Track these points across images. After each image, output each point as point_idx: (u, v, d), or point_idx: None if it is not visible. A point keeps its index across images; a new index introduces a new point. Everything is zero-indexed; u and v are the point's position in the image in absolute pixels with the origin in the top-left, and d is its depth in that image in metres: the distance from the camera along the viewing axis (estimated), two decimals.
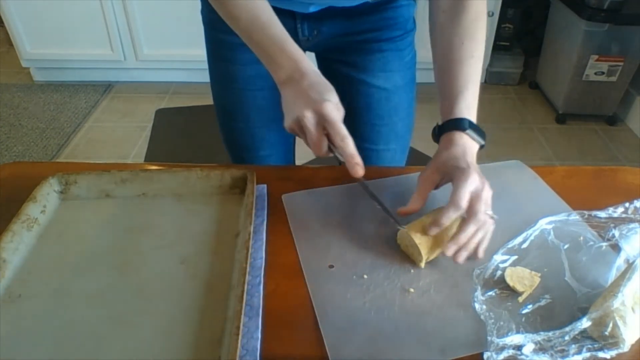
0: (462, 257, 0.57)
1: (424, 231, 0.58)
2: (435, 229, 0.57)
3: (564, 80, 2.38)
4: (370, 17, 0.83)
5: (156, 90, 2.70)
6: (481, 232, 0.57)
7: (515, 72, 2.74)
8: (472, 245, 0.57)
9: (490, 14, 2.45)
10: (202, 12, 0.89)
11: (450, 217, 0.57)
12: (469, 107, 0.66)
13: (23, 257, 0.59)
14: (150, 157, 1.48)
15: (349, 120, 0.93)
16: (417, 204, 0.61)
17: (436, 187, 0.64)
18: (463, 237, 0.56)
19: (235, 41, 0.82)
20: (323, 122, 0.60)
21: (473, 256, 0.58)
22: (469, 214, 0.57)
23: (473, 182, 0.58)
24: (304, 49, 0.89)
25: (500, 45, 2.64)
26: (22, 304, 0.54)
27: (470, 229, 0.56)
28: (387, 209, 0.60)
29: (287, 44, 0.64)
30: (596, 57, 2.23)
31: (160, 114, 1.71)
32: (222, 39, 0.86)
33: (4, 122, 2.40)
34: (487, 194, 0.58)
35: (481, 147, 0.66)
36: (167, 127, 1.65)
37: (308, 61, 0.64)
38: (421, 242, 0.57)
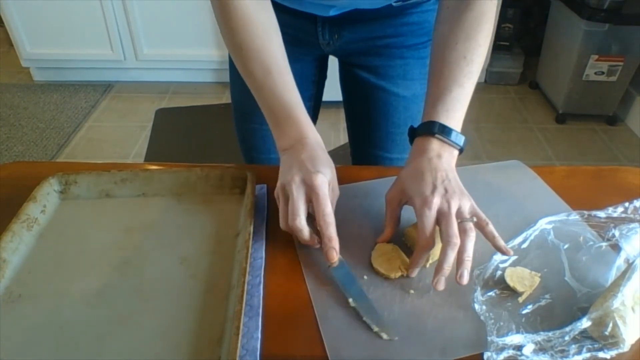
0: (463, 278, 0.52)
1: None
2: (414, 270, 0.56)
3: (564, 80, 2.38)
4: (394, 21, 0.81)
5: (156, 90, 2.70)
6: (469, 243, 0.54)
7: (515, 72, 2.74)
8: (467, 262, 0.53)
9: None
10: None
11: (423, 257, 0.55)
12: (448, 110, 0.62)
13: (23, 257, 0.59)
14: (150, 157, 1.49)
15: (364, 127, 0.93)
16: (390, 228, 0.60)
17: (401, 206, 0.62)
18: (446, 267, 0.53)
19: None
20: (310, 194, 0.56)
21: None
22: (443, 241, 0.54)
23: (432, 209, 0.55)
24: (326, 53, 0.88)
25: (500, 45, 2.65)
26: (22, 304, 0.54)
27: (450, 255, 0.53)
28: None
29: (296, 111, 0.62)
30: (596, 57, 2.23)
31: (160, 114, 1.72)
32: None
33: (4, 122, 2.40)
34: (455, 206, 0.55)
35: (460, 151, 0.62)
36: (167, 127, 1.65)
37: (314, 132, 0.62)
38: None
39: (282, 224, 0.58)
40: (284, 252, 0.61)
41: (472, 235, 0.54)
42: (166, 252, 0.60)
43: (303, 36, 0.83)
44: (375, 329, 0.51)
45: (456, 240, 0.53)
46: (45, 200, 0.65)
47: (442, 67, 0.64)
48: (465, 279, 0.52)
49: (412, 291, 0.55)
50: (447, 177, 0.58)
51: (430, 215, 0.55)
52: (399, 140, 0.91)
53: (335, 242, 0.55)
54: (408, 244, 0.61)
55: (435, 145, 0.61)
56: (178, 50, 2.60)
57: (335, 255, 0.55)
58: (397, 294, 0.55)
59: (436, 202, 0.55)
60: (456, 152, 0.62)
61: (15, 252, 0.58)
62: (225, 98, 2.62)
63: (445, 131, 0.61)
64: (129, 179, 0.68)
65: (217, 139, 1.54)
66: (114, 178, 0.68)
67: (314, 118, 1.00)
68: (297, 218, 0.56)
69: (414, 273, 0.56)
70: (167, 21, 2.50)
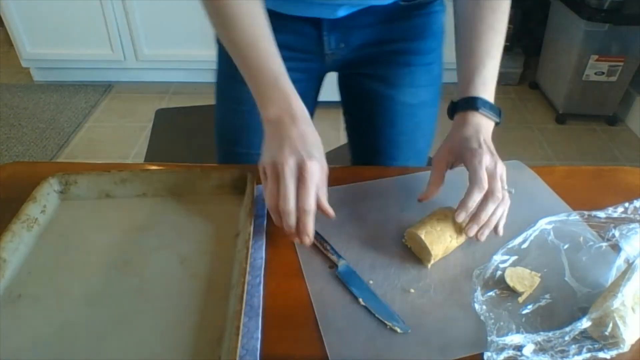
0: (484, 234, 0.59)
1: (431, 230, 0.58)
2: (462, 213, 0.58)
3: (564, 80, 2.38)
4: (401, 24, 0.80)
5: (156, 90, 2.70)
6: (500, 208, 0.59)
7: (515, 72, 2.74)
8: (493, 223, 0.59)
9: None
10: None
11: (476, 199, 0.58)
12: (485, 84, 0.65)
13: (23, 257, 0.59)
14: (150, 157, 1.49)
15: (368, 135, 0.93)
16: (435, 186, 0.62)
17: (451, 167, 0.65)
18: (484, 216, 0.57)
19: None
20: (300, 178, 0.55)
21: (493, 233, 0.60)
22: (487, 193, 0.58)
23: (485, 161, 0.58)
24: (327, 68, 0.87)
25: None
26: (22, 304, 0.54)
27: (490, 207, 0.57)
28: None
29: (281, 79, 0.61)
30: (596, 57, 2.23)
31: (160, 114, 1.71)
32: None
33: (4, 122, 2.40)
34: (501, 170, 0.59)
35: (497, 124, 0.66)
36: (167, 127, 1.65)
37: (300, 102, 0.61)
38: (431, 241, 0.57)
39: (269, 202, 0.57)
40: (284, 252, 0.61)
41: (507, 204, 0.59)
42: (166, 252, 0.60)
43: (306, 46, 0.81)
44: (389, 324, 0.51)
45: (499, 194, 0.57)
46: (45, 200, 0.65)
47: (472, 39, 0.67)
48: (484, 237, 0.59)
49: (412, 290, 0.55)
50: (490, 143, 0.62)
51: (482, 163, 0.58)
52: (404, 147, 0.90)
53: (309, 230, 0.56)
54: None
55: (476, 118, 0.64)
56: (178, 50, 2.60)
57: (306, 241, 0.57)
58: (397, 294, 0.55)
59: (486, 157, 0.59)
60: (493, 124, 0.65)
61: (15, 252, 0.58)
62: None
63: (487, 106, 0.64)
64: (129, 179, 0.68)
65: None
66: (114, 178, 0.68)
67: None
68: (289, 203, 0.55)
69: (461, 217, 0.58)
70: (167, 21, 2.50)
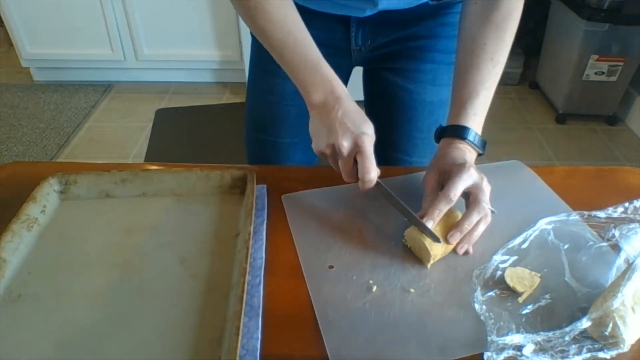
0: (463, 249, 0.59)
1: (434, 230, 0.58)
2: (430, 222, 0.58)
3: (564, 80, 2.38)
4: (428, 22, 0.81)
5: (156, 90, 2.70)
6: (482, 224, 0.59)
7: (515, 72, 2.74)
8: (473, 237, 0.59)
9: None
10: None
11: (441, 210, 0.58)
12: (476, 114, 0.66)
13: (23, 257, 0.59)
14: (150, 157, 1.49)
15: (386, 129, 0.93)
16: (428, 205, 0.62)
17: (442, 188, 0.64)
18: (467, 225, 0.58)
19: None
20: (356, 152, 0.60)
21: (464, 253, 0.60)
22: (473, 203, 0.58)
23: (470, 177, 0.59)
24: (354, 63, 0.87)
25: None
26: (22, 304, 0.54)
27: (474, 217, 0.58)
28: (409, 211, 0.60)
29: (321, 65, 0.64)
30: (596, 57, 2.23)
31: (160, 114, 1.72)
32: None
33: (4, 122, 2.40)
34: (487, 186, 0.60)
35: (479, 155, 0.67)
36: (167, 127, 1.66)
37: (341, 84, 0.64)
38: (430, 241, 0.57)
39: (345, 178, 0.63)
40: (284, 252, 0.61)
41: (488, 221, 0.60)
42: (166, 252, 0.60)
43: (334, 41, 0.82)
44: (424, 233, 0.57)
45: (486, 207, 0.58)
46: (45, 200, 0.65)
47: (471, 67, 0.67)
48: (462, 251, 0.59)
49: (412, 290, 0.55)
50: (474, 166, 0.62)
51: (467, 179, 0.58)
52: (420, 144, 0.90)
53: (369, 189, 0.61)
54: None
55: (462, 146, 0.65)
56: (178, 50, 2.60)
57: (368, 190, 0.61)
58: (397, 293, 0.55)
59: (471, 171, 0.59)
60: (476, 155, 0.67)
61: (15, 252, 0.58)
62: (225, 98, 2.62)
63: (474, 137, 0.65)
64: (129, 179, 0.68)
65: (217, 139, 1.54)
66: (114, 178, 0.68)
67: None
68: (351, 177, 0.62)
69: (428, 225, 0.58)
70: (167, 21, 2.50)
